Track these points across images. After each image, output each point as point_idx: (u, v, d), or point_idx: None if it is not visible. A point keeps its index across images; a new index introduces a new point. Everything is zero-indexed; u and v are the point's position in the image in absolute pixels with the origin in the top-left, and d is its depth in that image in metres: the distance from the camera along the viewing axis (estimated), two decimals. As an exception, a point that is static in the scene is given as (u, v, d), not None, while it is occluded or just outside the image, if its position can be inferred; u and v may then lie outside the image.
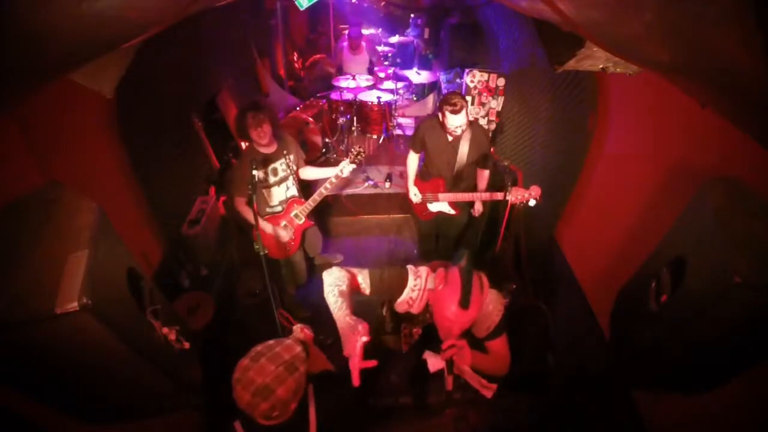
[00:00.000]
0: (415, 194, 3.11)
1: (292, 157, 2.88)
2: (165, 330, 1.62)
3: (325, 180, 2.86)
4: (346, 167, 2.79)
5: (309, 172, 3.05)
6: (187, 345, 1.73)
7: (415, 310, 1.83)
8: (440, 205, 3.10)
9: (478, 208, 3.18)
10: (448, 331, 1.65)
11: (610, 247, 2.68)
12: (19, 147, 1.71)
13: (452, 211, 3.11)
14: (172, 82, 3.18)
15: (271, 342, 1.35)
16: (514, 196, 2.81)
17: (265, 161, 2.76)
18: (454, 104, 2.63)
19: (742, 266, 1.20)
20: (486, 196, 2.96)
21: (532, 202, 2.81)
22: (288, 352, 1.32)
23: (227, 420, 1.31)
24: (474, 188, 3.11)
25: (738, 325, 1.32)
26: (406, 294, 1.78)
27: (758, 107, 0.93)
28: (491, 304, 1.80)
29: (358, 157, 2.80)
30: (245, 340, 1.41)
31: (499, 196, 2.87)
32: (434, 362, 1.92)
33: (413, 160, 3.14)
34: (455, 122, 2.68)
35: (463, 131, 2.77)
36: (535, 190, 2.79)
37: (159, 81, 2.91)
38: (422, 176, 3.18)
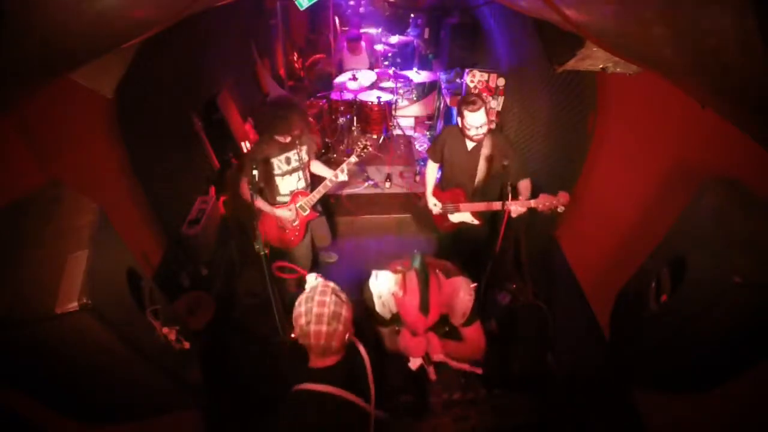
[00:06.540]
0: (435, 204, 2.99)
1: (305, 148, 2.87)
2: (165, 330, 1.62)
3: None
4: (351, 160, 2.79)
5: (317, 167, 3.05)
6: (187, 345, 1.73)
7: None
8: (462, 216, 2.98)
9: (518, 210, 2.69)
10: (416, 329, 1.83)
11: (610, 247, 2.68)
12: (19, 147, 1.71)
13: (475, 222, 2.96)
14: (172, 82, 3.17)
15: (305, 291, 1.45)
16: (542, 203, 2.63)
17: (281, 149, 2.76)
18: (473, 102, 2.52)
19: (742, 266, 1.21)
20: (511, 204, 2.63)
21: (560, 209, 2.61)
22: (326, 286, 1.44)
23: (227, 420, 1.30)
24: (498, 198, 2.80)
25: (738, 325, 1.32)
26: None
27: (758, 108, 0.93)
28: (461, 290, 1.88)
29: (364, 150, 2.79)
30: (245, 340, 1.43)
31: (529, 203, 2.66)
32: (414, 360, 2.02)
33: (432, 169, 3.04)
34: (475, 121, 2.54)
35: (483, 135, 2.63)
36: (563, 197, 2.60)
37: (159, 81, 2.91)
38: (441, 186, 3.07)
